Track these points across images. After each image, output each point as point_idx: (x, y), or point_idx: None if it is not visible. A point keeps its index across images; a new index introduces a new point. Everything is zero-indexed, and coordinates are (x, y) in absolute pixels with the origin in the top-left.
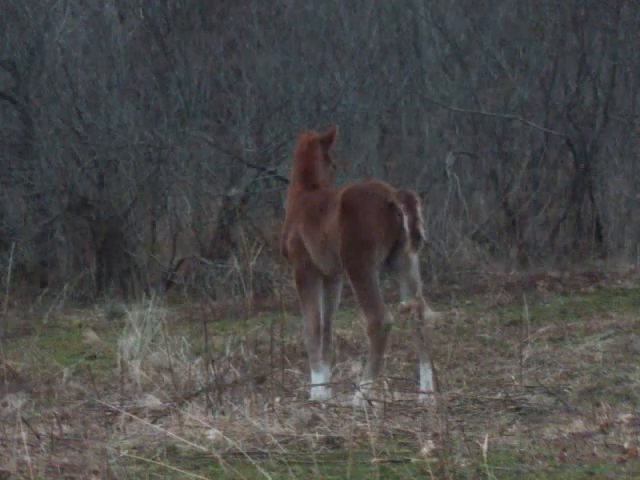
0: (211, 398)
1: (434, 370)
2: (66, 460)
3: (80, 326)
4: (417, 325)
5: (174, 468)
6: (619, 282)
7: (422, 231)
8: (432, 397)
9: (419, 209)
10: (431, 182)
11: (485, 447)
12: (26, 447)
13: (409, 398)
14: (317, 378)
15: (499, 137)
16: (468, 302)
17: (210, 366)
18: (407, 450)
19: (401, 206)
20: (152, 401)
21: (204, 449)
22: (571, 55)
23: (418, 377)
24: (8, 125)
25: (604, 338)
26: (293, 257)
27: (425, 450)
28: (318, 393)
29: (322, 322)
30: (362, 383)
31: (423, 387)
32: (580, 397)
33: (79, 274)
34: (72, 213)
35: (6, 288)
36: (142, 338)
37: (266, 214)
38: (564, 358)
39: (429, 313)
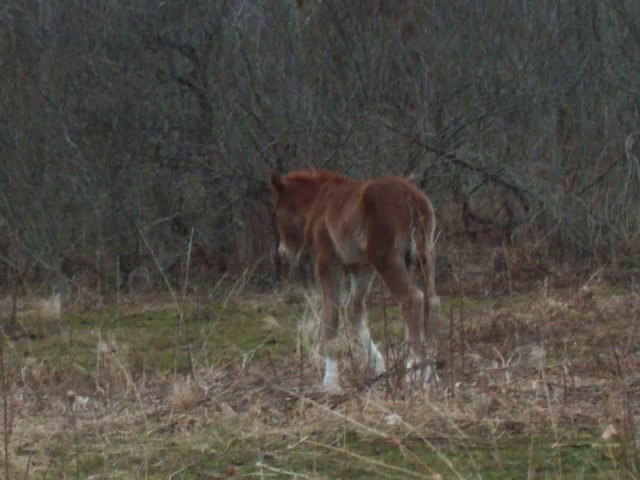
0: (391, 383)
1: (440, 362)
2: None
3: (259, 311)
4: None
5: (354, 454)
6: None
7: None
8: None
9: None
10: (610, 165)
11: None
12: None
13: (589, 383)
14: (331, 366)
15: None
16: None
17: (389, 351)
18: (588, 435)
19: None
20: (331, 386)
21: (384, 434)
22: None
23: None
24: (187, 110)
25: None
26: (318, 246)
27: (606, 435)
28: (331, 380)
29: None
30: (409, 366)
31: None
32: None
33: (258, 259)
34: (251, 198)
35: (185, 273)
36: (321, 323)
37: (445, 198)
38: None
39: (435, 300)
